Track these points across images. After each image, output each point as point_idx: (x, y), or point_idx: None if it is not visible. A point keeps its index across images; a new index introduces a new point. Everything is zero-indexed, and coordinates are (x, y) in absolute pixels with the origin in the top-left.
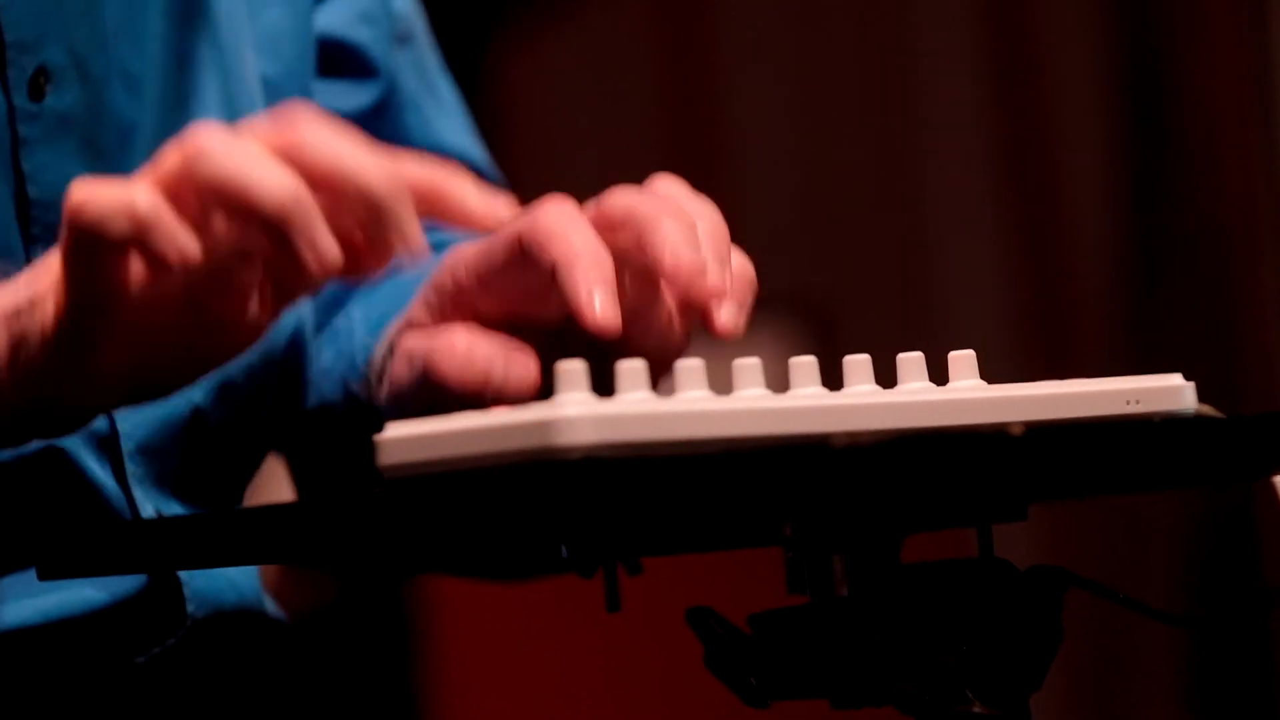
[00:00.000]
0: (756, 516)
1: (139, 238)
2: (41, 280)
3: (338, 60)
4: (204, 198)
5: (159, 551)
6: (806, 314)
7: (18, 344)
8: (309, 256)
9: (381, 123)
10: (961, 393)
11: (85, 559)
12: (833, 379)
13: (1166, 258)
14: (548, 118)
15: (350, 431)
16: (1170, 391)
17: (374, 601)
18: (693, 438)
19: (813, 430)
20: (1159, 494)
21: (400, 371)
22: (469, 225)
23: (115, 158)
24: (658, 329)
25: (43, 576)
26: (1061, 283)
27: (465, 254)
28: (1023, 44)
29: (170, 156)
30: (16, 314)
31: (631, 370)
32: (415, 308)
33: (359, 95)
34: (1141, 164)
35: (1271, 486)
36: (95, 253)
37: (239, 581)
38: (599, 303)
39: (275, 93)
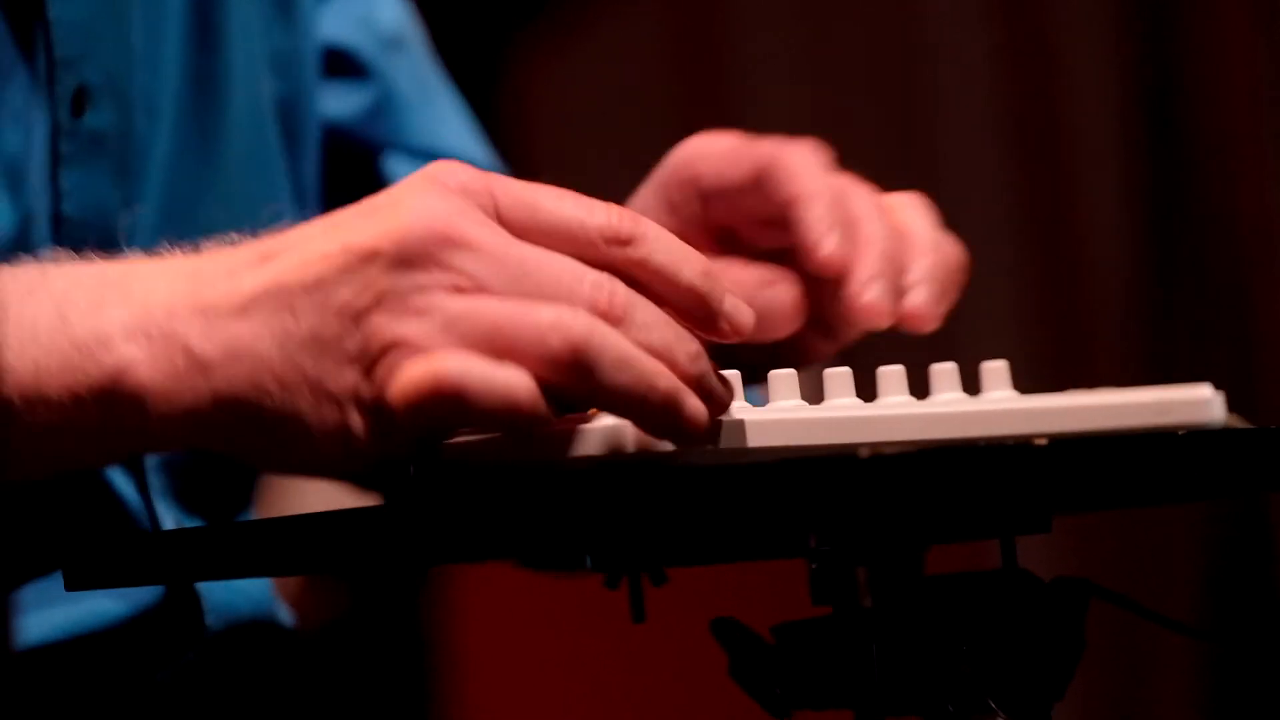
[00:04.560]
0: (781, 527)
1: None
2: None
3: (333, 63)
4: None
5: (186, 562)
6: None
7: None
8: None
9: (379, 125)
10: (993, 404)
11: (112, 569)
12: (862, 390)
13: (1184, 267)
14: (568, 129)
15: None
16: (1199, 403)
17: (390, 612)
18: (730, 447)
19: (849, 441)
20: (1182, 505)
21: None
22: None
23: (138, 180)
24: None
25: (69, 587)
26: (1079, 293)
27: (701, 163)
28: (1038, 58)
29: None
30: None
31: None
32: (651, 200)
33: (354, 97)
34: (1158, 174)
35: None
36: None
37: (252, 592)
38: (831, 241)
39: (288, 112)
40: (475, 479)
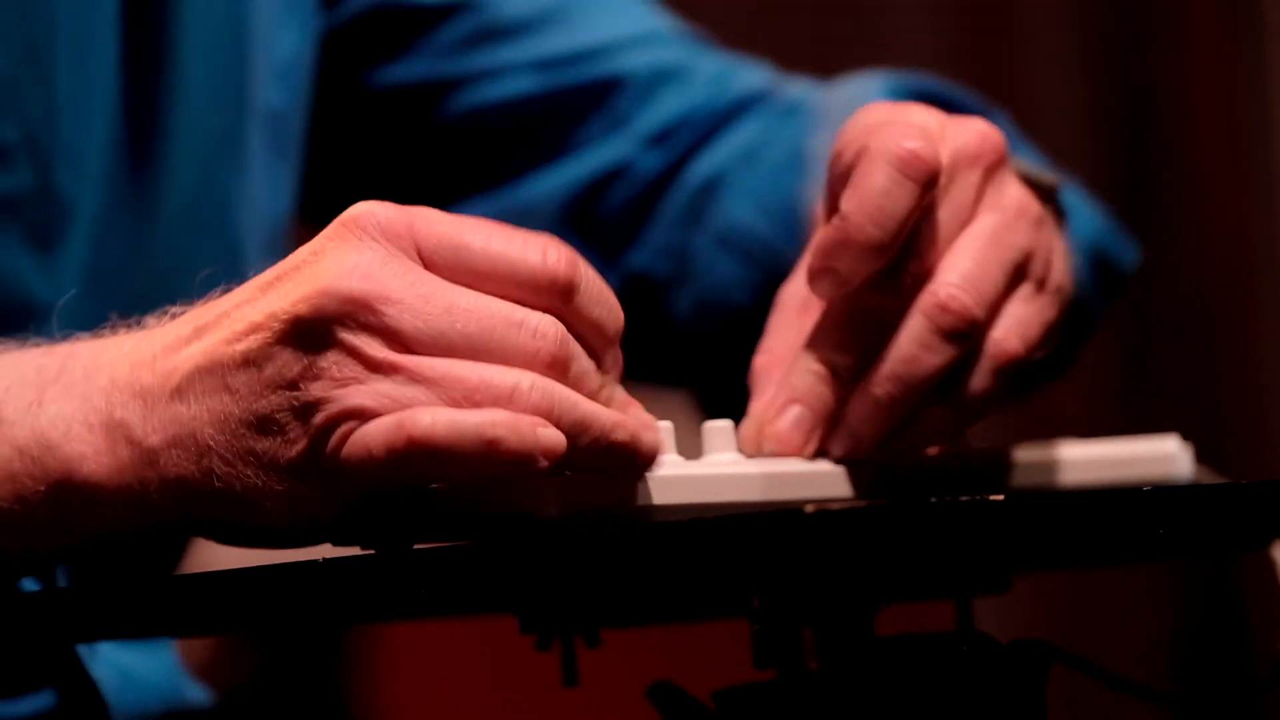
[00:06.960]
0: (722, 586)
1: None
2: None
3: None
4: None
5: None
6: None
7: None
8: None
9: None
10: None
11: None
12: None
13: (1154, 315)
14: None
15: None
16: (1166, 457)
17: (304, 674)
18: (663, 504)
19: (788, 497)
20: (1147, 564)
21: None
22: None
23: (57, 240)
24: None
25: None
26: None
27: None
28: (1010, 95)
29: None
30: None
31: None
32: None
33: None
34: (1130, 218)
35: (1268, 558)
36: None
37: (158, 683)
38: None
39: (281, 125)
40: (416, 533)
